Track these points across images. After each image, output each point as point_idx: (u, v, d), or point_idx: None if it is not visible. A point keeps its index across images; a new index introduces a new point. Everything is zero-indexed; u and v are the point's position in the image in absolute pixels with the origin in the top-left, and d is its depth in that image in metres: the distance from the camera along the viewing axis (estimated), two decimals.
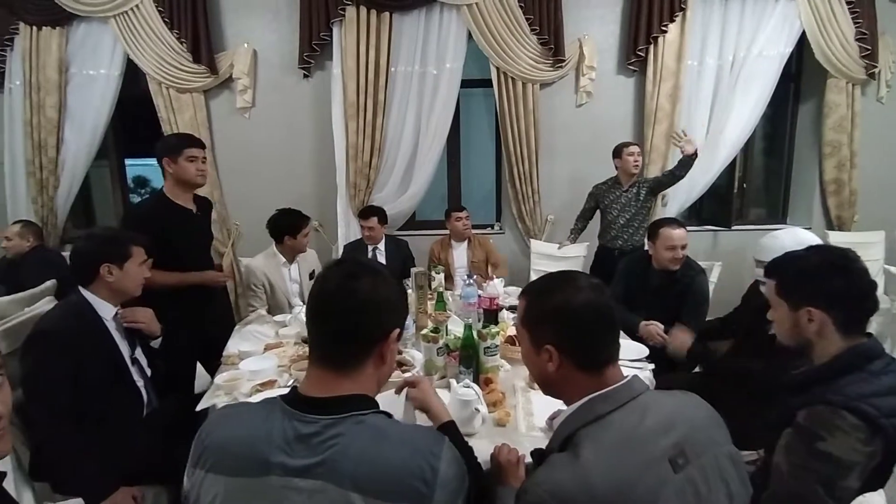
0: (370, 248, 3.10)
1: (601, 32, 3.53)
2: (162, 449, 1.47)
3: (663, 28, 3.32)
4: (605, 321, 0.84)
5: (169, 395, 1.67)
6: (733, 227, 3.73)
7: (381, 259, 3.10)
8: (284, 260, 2.61)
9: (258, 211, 3.66)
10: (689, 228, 3.78)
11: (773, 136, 4.02)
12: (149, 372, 1.59)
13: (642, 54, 3.41)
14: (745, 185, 3.93)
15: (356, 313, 0.76)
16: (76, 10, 3.33)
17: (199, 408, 1.50)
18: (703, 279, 2.17)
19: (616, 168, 3.09)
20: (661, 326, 2.02)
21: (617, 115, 3.63)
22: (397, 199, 3.59)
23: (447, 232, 3.30)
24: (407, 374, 1.53)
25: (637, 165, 3.00)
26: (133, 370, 1.52)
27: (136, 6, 3.31)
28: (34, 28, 3.37)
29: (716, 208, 3.92)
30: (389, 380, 1.00)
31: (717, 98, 3.50)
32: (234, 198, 3.71)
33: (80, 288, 1.48)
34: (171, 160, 2.00)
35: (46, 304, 1.76)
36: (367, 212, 3.07)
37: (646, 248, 3.08)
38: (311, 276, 2.66)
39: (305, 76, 3.53)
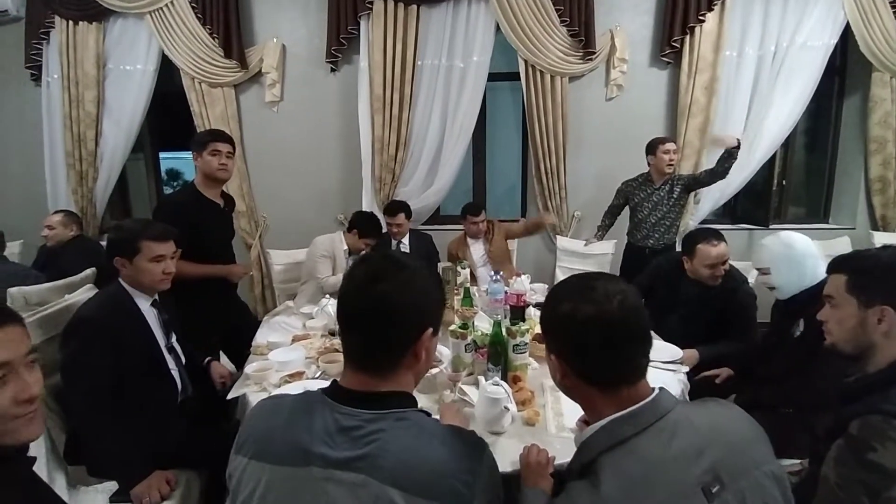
0: (395, 242, 3.10)
1: (634, 23, 3.42)
2: (194, 435, 1.50)
3: (701, 17, 3.20)
4: (618, 338, 0.74)
5: (200, 383, 1.71)
6: (771, 227, 3.58)
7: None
8: (346, 248, 2.77)
9: (285, 203, 3.75)
10: (722, 227, 3.67)
11: (816, 131, 3.83)
12: (184, 360, 1.62)
13: (677, 45, 3.29)
14: (784, 183, 3.76)
15: (382, 321, 0.74)
16: (112, 5, 3.42)
17: (229, 396, 1.53)
18: (747, 290, 1.98)
19: (648, 165, 2.95)
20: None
21: (649, 108, 3.52)
22: (422, 194, 3.58)
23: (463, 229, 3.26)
24: (437, 369, 1.51)
25: (672, 164, 2.83)
26: (169, 358, 1.56)
27: (171, 2, 3.38)
28: (70, 22, 3.47)
29: (752, 206, 3.77)
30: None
31: (756, 91, 3.35)
32: (261, 190, 3.77)
33: (119, 278, 1.52)
34: (198, 154, 2.07)
35: (85, 293, 1.81)
36: (394, 208, 3.04)
37: (678, 248, 2.99)
38: None
39: (333, 70, 3.55)
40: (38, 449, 1.40)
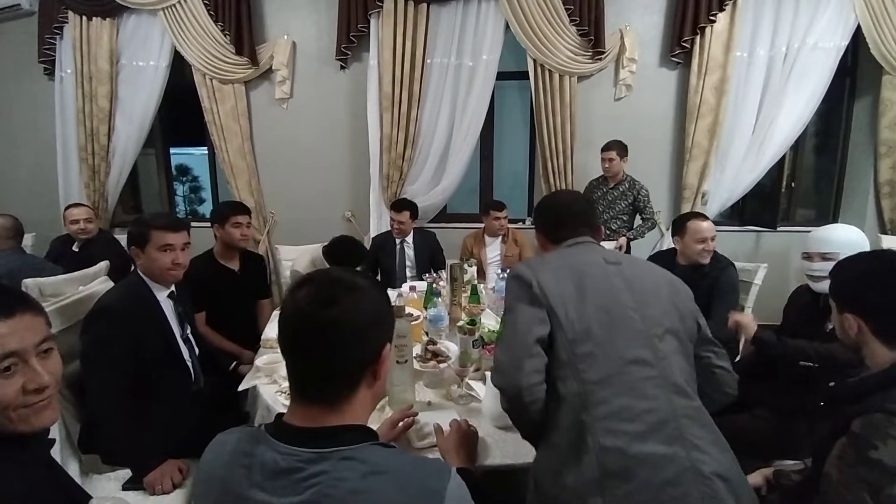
0: (398, 240, 3.10)
1: (643, 23, 3.42)
2: (206, 424, 1.53)
3: (711, 17, 3.19)
4: (557, 214, 1.19)
5: (211, 374, 1.73)
6: (779, 229, 3.57)
7: (410, 252, 3.11)
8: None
9: (293, 200, 3.78)
10: (730, 229, 3.67)
11: (827, 133, 3.81)
12: (197, 351, 1.65)
13: (687, 45, 3.28)
14: (793, 185, 3.74)
15: (342, 345, 0.67)
16: (126, 1, 3.46)
17: (240, 388, 1.56)
18: (732, 271, 2.10)
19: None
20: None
21: (657, 109, 3.52)
22: (430, 192, 3.60)
23: (480, 225, 3.28)
24: (442, 364, 1.53)
25: (608, 169, 3.13)
26: (184, 348, 1.59)
27: None
28: (84, 18, 3.51)
29: (760, 208, 3.75)
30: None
31: (767, 91, 3.33)
32: (270, 187, 3.80)
33: (138, 270, 1.56)
34: (220, 226, 2.21)
35: (99, 284, 1.84)
36: (400, 205, 3.07)
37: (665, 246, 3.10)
38: None
39: (342, 68, 3.57)
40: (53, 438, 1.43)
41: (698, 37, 3.25)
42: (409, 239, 3.12)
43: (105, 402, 1.37)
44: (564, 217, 1.16)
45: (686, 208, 3.42)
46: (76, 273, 2.26)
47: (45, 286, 2.09)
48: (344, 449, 0.65)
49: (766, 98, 3.34)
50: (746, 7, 3.22)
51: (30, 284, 2.05)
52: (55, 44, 3.63)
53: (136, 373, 1.42)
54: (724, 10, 3.19)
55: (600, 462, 0.84)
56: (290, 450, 0.65)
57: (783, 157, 3.48)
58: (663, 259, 2.30)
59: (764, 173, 3.41)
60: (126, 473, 1.41)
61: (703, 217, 2.14)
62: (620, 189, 3.15)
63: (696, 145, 3.37)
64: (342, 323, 0.66)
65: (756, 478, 1.22)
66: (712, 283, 2.06)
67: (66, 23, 3.57)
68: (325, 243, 2.38)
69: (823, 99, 3.30)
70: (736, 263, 2.19)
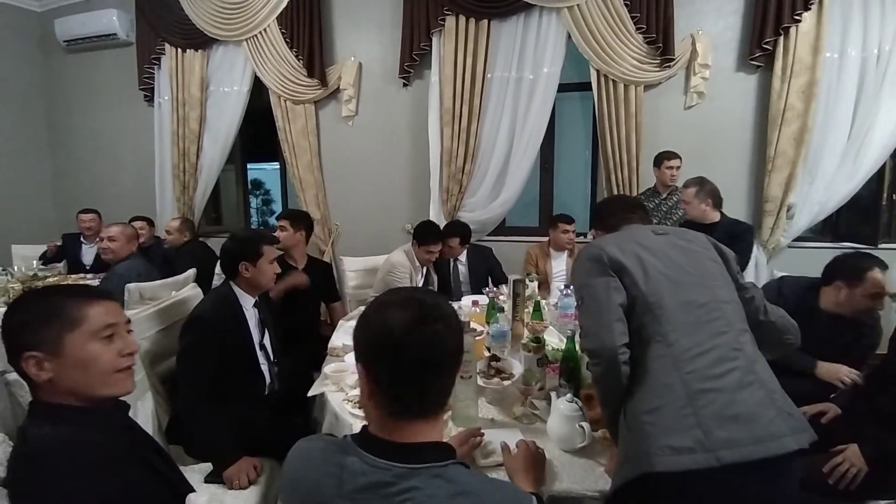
0: (452, 260, 3.06)
1: (717, 26, 3.23)
2: (277, 426, 1.62)
3: (796, 17, 2.94)
4: (610, 207, 1.40)
5: (283, 380, 1.84)
6: (880, 246, 3.18)
7: (463, 269, 3.09)
8: (418, 264, 2.82)
9: (357, 212, 3.94)
10: (823, 246, 3.33)
11: None
12: (272, 358, 1.76)
13: (769, 48, 3.05)
14: (895, 197, 3.33)
15: (438, 365, 0.69)
16: (216, 34, 3.84)
17: (309, 394, 1.63)
18: (879, 329, 1.77)
19: (655, 176, 3.09)
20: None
21: (733, 116, 3.29)
22: (489, 205, 3.60)
23: (539, 239, 3.22)
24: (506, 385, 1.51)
25: (674, 179, 3.00)
26: (260, 355, 1.70)
27: (264, 29, 3.72)
28: (179, 50, 3.93)
29: (857, 223, 3.37)
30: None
31: (862, 95, 3.01)
32: (335, 200, 4.00)
33: (230, 281, 1.71)
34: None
35: (189, 291, 2.02)
36: (447, 231, 2.96)
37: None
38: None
39: (405, 85, 3.70)
40: (147, 428, 1.58)
41: (781, 38, 3.02)
42: (462, 256, 3.09)
43: (191, 400, 1.50)
44: (616, 208, 1.35)
45: (768, 222, 3.16)
46: (170, 279, 2.50)
47: (144, 290, 2.33)
48: (433, 466, 0.66)
49: (861, 101, 3.01)
50: (833, 5, 2.94)
51: (132, 289, 2.28)
52: (153, 73, 4.09)
53: (220, 375, 1.54)
54: (809, 8, 2.93)
55: (684, 382, 0.96)
56: (381, 463, 0.66)
57: (883, 167, 3.12)
58: (804, 293, 1.85)
59: (862, 184, 3.07)
60: (208, 467, 1.52)
61: (883, 265, 1.68)
62: (674, 199, 3.01)
63: (780, 154, 3.11)
64: (443, 344, 0.69)
65: None
66: (853, 342, 1.77)
67: (163, 54, 4.00)
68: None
69: None
70: None
